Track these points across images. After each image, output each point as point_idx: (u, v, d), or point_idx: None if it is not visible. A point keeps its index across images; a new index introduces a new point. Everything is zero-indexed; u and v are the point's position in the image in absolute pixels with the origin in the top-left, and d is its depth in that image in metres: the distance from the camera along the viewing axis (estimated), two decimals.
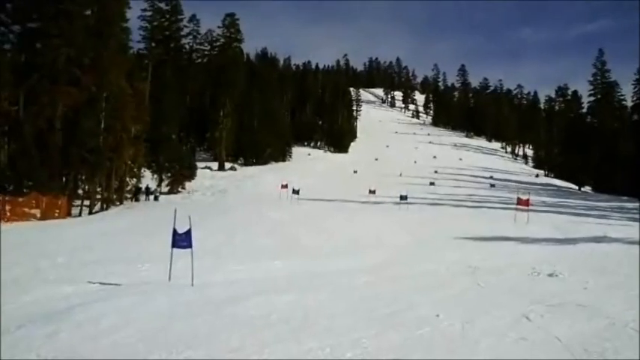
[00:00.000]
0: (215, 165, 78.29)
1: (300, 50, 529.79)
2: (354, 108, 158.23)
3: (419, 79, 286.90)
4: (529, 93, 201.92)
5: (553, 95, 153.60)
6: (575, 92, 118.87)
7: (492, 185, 76.45)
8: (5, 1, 40.57)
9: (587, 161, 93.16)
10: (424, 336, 7.37)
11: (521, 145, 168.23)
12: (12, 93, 38.18)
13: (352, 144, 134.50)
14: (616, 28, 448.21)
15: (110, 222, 31.31)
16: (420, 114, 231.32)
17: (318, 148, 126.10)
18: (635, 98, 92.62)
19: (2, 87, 37.51)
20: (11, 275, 12.41)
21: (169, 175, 55.61)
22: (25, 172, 35.93)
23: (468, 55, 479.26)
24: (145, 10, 77.78)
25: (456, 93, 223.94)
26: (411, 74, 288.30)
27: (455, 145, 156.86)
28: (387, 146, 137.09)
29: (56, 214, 34.32)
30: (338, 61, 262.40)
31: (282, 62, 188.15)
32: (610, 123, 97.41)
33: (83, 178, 43.50)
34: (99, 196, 43.46)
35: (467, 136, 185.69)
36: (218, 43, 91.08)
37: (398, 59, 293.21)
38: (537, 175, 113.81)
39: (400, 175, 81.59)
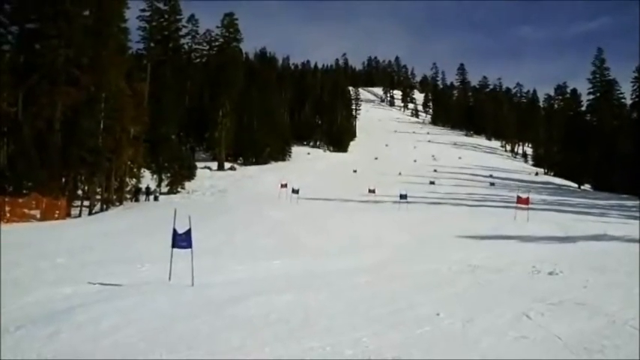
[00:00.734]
0: (214, 165, 78.28)
1: (299, 50, 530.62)
2: (354, 107, 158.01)
3: (418, 78, 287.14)
4: (528, 91, 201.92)
5: (552, 93, 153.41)
6: (574, 90, 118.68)
7: (492, 184, 76.40)
8: (4, 2, 40.57)
9: (587, 159, 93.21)
10: (424, 335, 7.39)
11: (520, 143, 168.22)
12: (11, 94, 38.23)
13: (351, 143, 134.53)
14: (615, 27, 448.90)
15: (110, 222, 31.29)
16: (420, 113, 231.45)
17: (318, 147, 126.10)
18: (634, 96, 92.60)
19: (1, 88, 37.56)
20: (11, 276, 12.39)
21: (169, 175, 55.61)
22: (24, 172, 35.92)
23: (467, 53, 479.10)
24: (143, 10, 77.93)
25: (455, 92, 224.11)
26: (410, 73, 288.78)
27: (454, 144, 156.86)
28: (387, 145, 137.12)
29: (56, 215, 34.30)
30: (337, 61, 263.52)
31: (281, 62, 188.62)
32: (609, 121, 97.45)
33: (83, 178, 43.55)
34: (98, 197, 43.46)
35: (466, 135, 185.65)
36: (217, 43, 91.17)
37: (397, 58, 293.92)
38: (537, 174, 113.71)
39: (400, 174, 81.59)
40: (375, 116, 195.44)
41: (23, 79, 38.75)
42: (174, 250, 11.83)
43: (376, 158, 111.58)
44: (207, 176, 67.24)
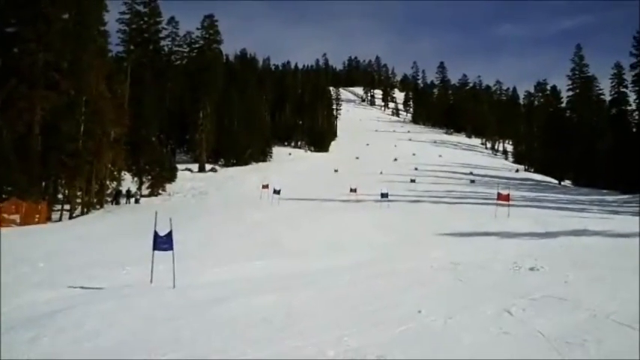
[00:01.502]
0: (195, 166, 77.89)
1: (279, 50, 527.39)
2: (334, 107, 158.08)
3: (398, 77, 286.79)
4: (508, 89, 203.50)
5: (532, 90, 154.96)
6: (554, 87, 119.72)
7: (472, 181, 76.67)
8: None
9: (567, 155, 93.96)
10: (406, 332, 7.42)
11: (501, 140, 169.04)
12: None
13: (333, 143, 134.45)
14: (594, 24, 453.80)
15: (91, 226, 31.12)
16: (400, 112, 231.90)
17: (299, 147, 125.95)
18: (613, 92, 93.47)
19: None
20: None
21: (150, 177, 55.26)
22: (3, 177, 35.55)
23: (448, 51, 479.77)
24: (123, 12, 77.17)
25: (435, 90, 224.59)
26: (390, 72, 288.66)
27: (435, 142, 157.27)
28: (368, 145, 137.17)
29: (36, 220, 34.02)
30: (317, 61, 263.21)
31: (261, 63, 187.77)
32: (589, 117, 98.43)
33: (63, 182, 43.14)
34: (79, 200, 43.05)
35: (446, 133, 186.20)
36: (197, 45, 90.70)
37: (377, 57, 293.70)
38: (517, 170, 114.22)
39: (381, 173, 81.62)
40: (356, 116, 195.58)
41: (1, 83, 38.36)
42: (156, 252, 11.80)
43: (357, 158, 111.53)
44: (188, 178, 66.92)
